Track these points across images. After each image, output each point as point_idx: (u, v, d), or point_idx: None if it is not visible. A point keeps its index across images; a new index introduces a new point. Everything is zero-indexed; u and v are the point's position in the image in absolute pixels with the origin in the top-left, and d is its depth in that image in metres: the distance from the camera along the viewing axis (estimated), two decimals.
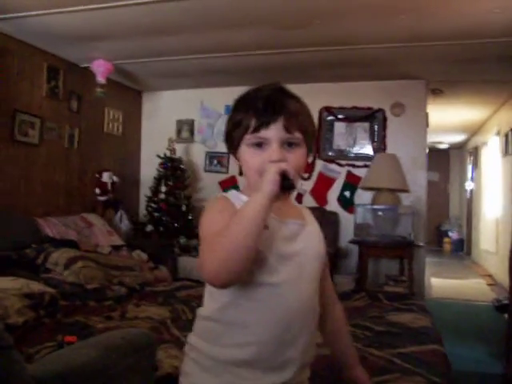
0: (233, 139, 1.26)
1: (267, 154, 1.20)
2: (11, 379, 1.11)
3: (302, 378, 1.29)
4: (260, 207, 1.06)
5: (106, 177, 5.44)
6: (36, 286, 3.09)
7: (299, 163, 1.23)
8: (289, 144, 1.21)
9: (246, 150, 1.23)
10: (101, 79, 5.00)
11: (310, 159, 1.34)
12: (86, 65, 5.10)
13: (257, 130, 1.20)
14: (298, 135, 1.22)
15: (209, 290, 1.26)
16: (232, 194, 1.28)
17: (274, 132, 1.19)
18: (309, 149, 1.28)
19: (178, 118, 6.28)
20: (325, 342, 1.55)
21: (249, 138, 1.22)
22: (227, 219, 1.09)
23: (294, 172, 1.13)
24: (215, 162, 6.23)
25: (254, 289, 1.18)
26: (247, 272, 1.10)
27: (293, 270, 1.22)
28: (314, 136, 1.32)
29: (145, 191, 6.02)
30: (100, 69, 4.95)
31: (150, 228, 5.58)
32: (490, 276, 7.93)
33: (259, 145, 1.21)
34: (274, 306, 1.19)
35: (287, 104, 1.22)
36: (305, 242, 1.27)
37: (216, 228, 1.10)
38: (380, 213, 5.32)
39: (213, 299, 1.24)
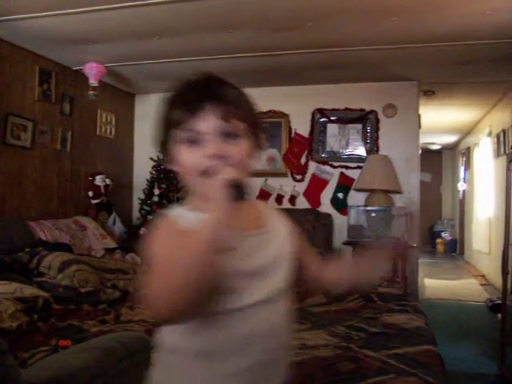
0: (163, 140, 1.09)
1: (203, 150, 1.02)
2: None
3: None
4: (212, 231, 0.91)
5: (98, 180, 5.42)
6: (29, 290, 3.08)
7: (243, 158, 1.05)
8: (229, 136, 1.03)
9: (178, 149, 1.05)
10: (93, 82, 4.99)
11: (260, 156, 1.09)
12: (78, 67, 5.08)
13: (187, 122, 1.02)
14: (238, 124, 1.04)
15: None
16: (177, 212, 1.09)
17: (207, 122, 1.02)
18: (256, 142, 1.10)
19: None
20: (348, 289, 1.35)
21: (179, 133, 1.04)
22: (173, 245, 0.93)
23: (243, 175, 0.97)
24: None
25: (219, 318, 1.03)
26: (200, 307, 0.95)
27: (261, 288, 1.07)
28: (259, 127, 1.13)
29: (138, 194, 6.00)
30: (92, 71, 4.93)
31: (143, 231, 5.56)
32: (482, 276, 7.96)
33: (193, 140, 1.03)
34: (247, 333, 1.04)
35: (220, 90, 1.06)
36: (270, 251, 1.11)
37: (163, 255, 0.93)
38: (373, 214, 5.33)
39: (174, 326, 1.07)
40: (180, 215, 1.06)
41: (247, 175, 1.05)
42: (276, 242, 1.14)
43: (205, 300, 0.96)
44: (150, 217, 5.57)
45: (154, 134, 1.12)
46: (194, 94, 1.04)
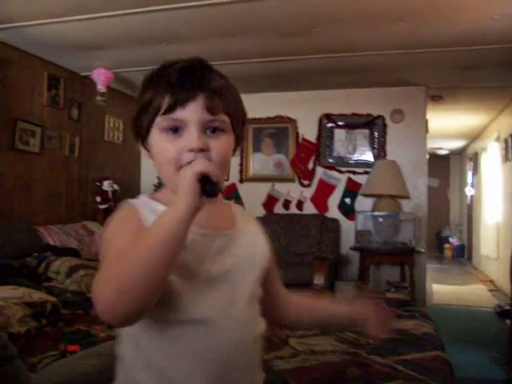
0: (141, 125, 1.00)
1: (184, 141, 0.95)
2: None
3: None
4: (174, 226, 0.81)
5: (106, 185, 5.44)
6: (37, 295, 3.08)
7: (225, 153, 0.98)
8: (212, 129, 0.97)
9: (157, 137, 0.97)
10: (101, 88, 5.01)
11: (237, 151, 1.02)
12: (86, 73, 5.11)
13: (171, 109, 0.95)
14: (223, 118, 0.98)
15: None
16: (142, 201, 1.00)
17: (192, 112, 0.95)
18: (237, 137, 1.03)
19: None
20: (316, 326, 1.28)
21: (161, 120, 0.96)
22: (129, 236, 0.87)
23: (218, 171, 0.88)
24: None
25: (173, 328, 0.93)
26: (151, 307, 0.83)
27: (224, 296, 0.97)
28: (243, 122, 1.06)
29: None
30: (100, 77, 4.95)
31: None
32: (491, 282, 7.92)
33: (174, 129, 0.96)
34: (203, 347, 0.93)
35: (209, 78, 0.98)
36: (237, 255, 1.01)
37: (116, 246, 0.86)
38: (381, 219, 5.32)
39: (128, 336, 0.98)
40: (143, 204, 0.98)
41: (225, 171, 1.00)
42: (250, 246, 1.06)
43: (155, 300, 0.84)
44: None
45: (133, 117, 1.02)
46: (183, 80, 0.96)
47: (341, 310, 1.25)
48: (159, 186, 5.81)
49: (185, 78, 0.96)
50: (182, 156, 0.95)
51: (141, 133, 1.01)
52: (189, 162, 0.92)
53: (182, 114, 0.94)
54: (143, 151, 1.04)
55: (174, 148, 0.95)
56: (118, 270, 0.80)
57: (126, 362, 0.99)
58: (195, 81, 0.96)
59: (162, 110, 0.95)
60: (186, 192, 0.83)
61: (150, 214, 0.94)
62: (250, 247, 1.06)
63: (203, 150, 0.95)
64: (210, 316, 0.94)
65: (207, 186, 0.84)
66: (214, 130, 0.97)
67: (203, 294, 0.94)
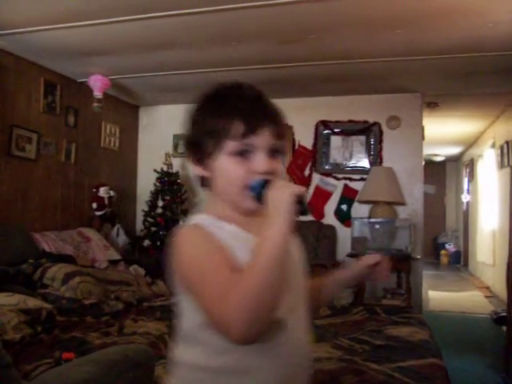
0: (206, 147, 1.09)
1: (253, 164, 1.06)
2: None
3: None
4: (282, 245, 0.92)
5: (102, 191, 5.43)
6: (33, 302, 3.08)
7: (281, 173, 1.12)
8: (275, 152, 1.09)
9: (225, 160, 1.06)
10: (98, 94, 5.01)
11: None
12: (82, 80, 5.11)
13: (244, 136, 1.04)
14: (282, 142, 1.11)
15: (191, 333, 1.07)
16: (204, 220, 1.09)
17: (263, 138, 1.06)
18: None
19: (174, 133, 6.25)
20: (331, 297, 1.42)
21: (232, 144, 1.05)
22: (216, 251, 0.98)
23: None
24: None
25: None
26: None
27: (290, 295, 1.06)
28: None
29: (142, 206, 6.01)
30: (97, 84, 4.96)
31: (146, 243, 5.56)
32: (487, 288, 7.93)
33: (241, 153, 1.06)
34: (277, 342, 1.03)
35: (273, 108, 1.12)
36: (290, 260, 1.08)
37: (213, 266, 0.95)
38: (377, 226, 5.32)
39: (199, 343, 1.05)
40: (208, 223, 1.07)
41: None
42: (293, 252, 1.14)
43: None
44: (153, 228, 5.57)
45: (192, 137, 1.13)
46: (254, 109, 1.07)
47: (344, 272, 1.38)
48: (156, 192, 5.81)
49: (255, 107, 1.08)
50: (249, 177, 1.05)
51: (204, 154, 1.10)
52: (263, 185, 1.02)
53: (254, 140, 1.05)
54: (200, 170, 1.14)
55: (242, 170, 1.05)
56: (247, 291, 0.88)
57: (201, 372, 1.05)
58: (265, 110, 1.09)
59: (235, 136, 1.04)
60: (285, 213, 0.93)
61: (217, 231, 1.05)
62: (295, 251, 1.18)
63: (270, 173, 1.06)
64: (282, 315, 1.02)
65: (302, 207, 0.95)
66: (273, 153, 1.09)
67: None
